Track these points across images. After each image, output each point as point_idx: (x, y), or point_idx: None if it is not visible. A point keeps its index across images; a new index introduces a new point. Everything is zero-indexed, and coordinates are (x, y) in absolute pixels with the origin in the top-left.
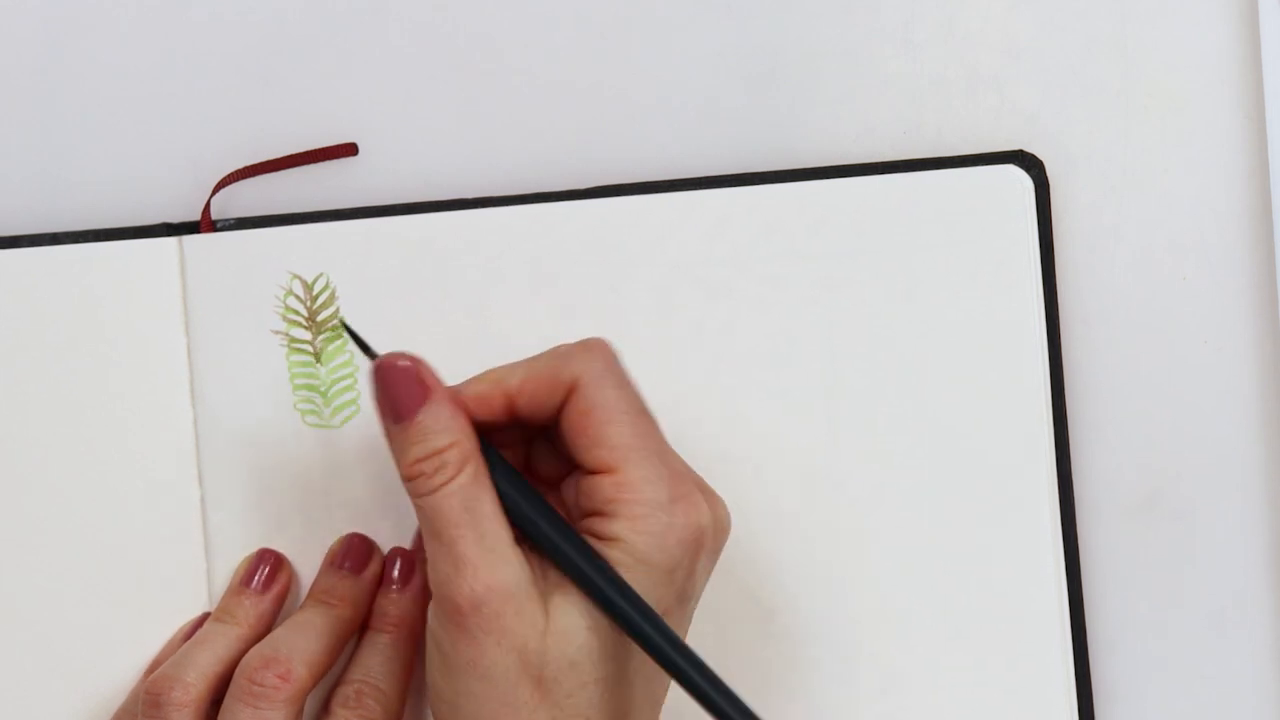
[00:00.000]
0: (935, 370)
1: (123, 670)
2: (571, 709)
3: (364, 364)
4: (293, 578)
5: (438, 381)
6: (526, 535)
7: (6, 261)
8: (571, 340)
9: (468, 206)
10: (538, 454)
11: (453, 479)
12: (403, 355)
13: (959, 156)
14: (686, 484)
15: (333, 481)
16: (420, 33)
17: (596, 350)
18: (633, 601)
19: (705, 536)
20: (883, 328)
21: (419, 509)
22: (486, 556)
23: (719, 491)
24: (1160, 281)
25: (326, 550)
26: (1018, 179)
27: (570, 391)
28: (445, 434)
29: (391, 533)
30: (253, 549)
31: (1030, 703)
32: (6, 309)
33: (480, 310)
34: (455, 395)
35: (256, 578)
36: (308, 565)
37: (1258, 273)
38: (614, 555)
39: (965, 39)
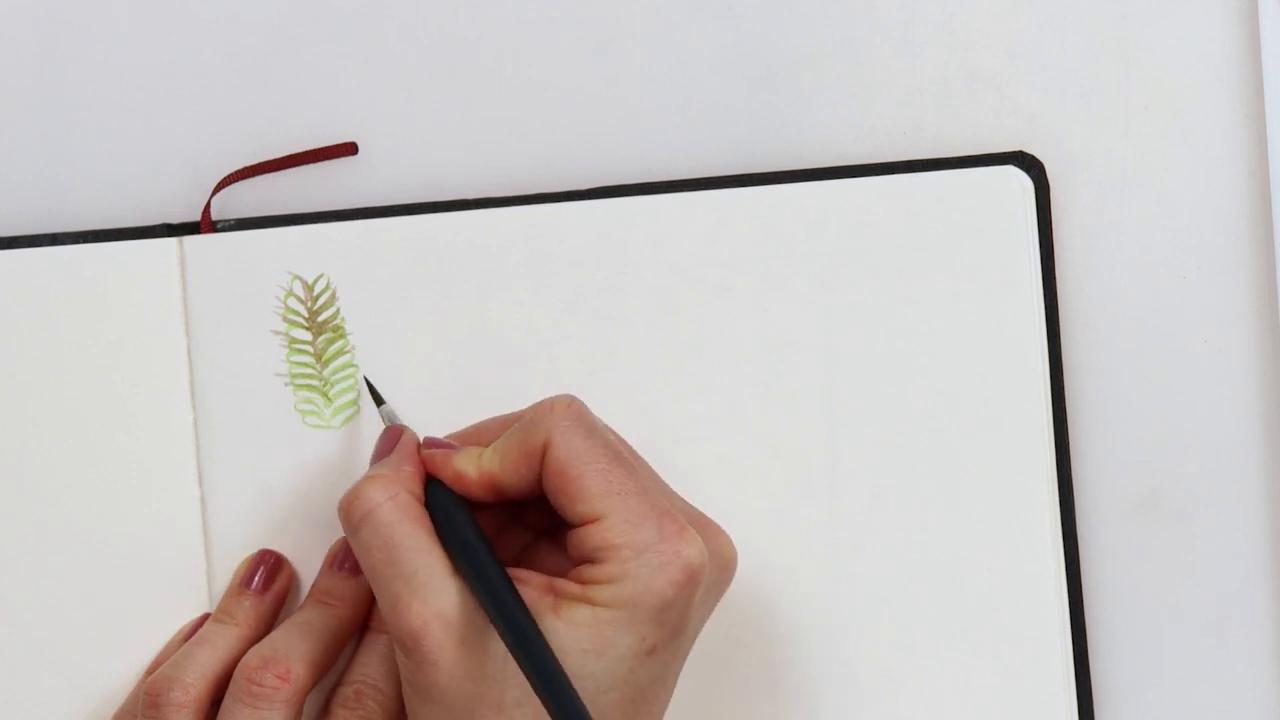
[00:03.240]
0: (935, 371)
1: (123, 670)
2: None
3: (364, 364)
4: (293, 578)
5: (410, 437)
6: (458, 569)
7: (6, 261)
8: (572, 341)
9: (468, 207)
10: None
11: (370, 513)
12: (403, 427)
13: (959, 157)
14: (675, 521)
15: (333, 481)
16: (420, 33)
17: (559, 408)
18: (536, 649)
19: (699, 572)
20: (882, 328)
21: (354, 551)
22: (420, 590)
23: (717, 488)
24: (1160, 281)
25: (326, 550)
26: (1018, 180)
27: (543, 455)
28: (375, 479)
29: None
30: (253, 549)
31: (1030, 704)
32: (6, 309)
33: (480, 310)
34: (415, 445)
35: (256, 578)
36: (308, 565)
37: (1258, 273)
38: (601, 597)
39: (965, 39)
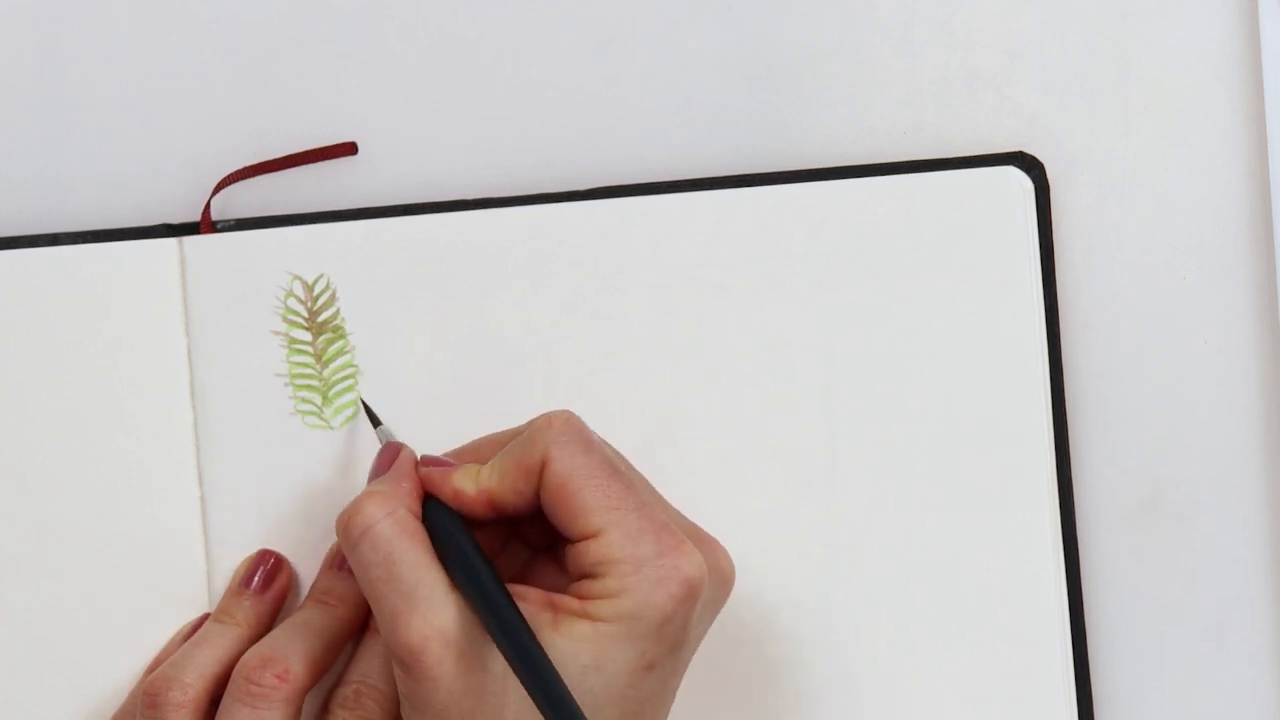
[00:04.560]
0: (935, 372)
1: (123, 670)
2: None
3: (364, 364)
4: (293, 578)
5: (408, 453)
6: (457, 586)
7: (6, 261)
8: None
9: (468, 207)
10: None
11: (369, 530)
12: (400, 445)
13: (959, 158)
14: (674, 535)
15: (333, 482)
16: (420, 33)
17: (557, 423)
18: (537, 664)
19: (698, 587)
20: (882, 329)
21: (353, 567)
22: (419, 606)
23: (715, 488)
24: (1160, 282)
25: (324, 550)
26: (1018, 181)
27: (541, 472)
28: (374, 495)
29: None
30: (253, 549)
31: (1030, 707)
32: (6, 309)
33: (479, 310)
34: (412, 461)
35: (255, 578)
36: (308, 565)
37: (1258, 273)
38: (601, 612)
39: (965, 39)
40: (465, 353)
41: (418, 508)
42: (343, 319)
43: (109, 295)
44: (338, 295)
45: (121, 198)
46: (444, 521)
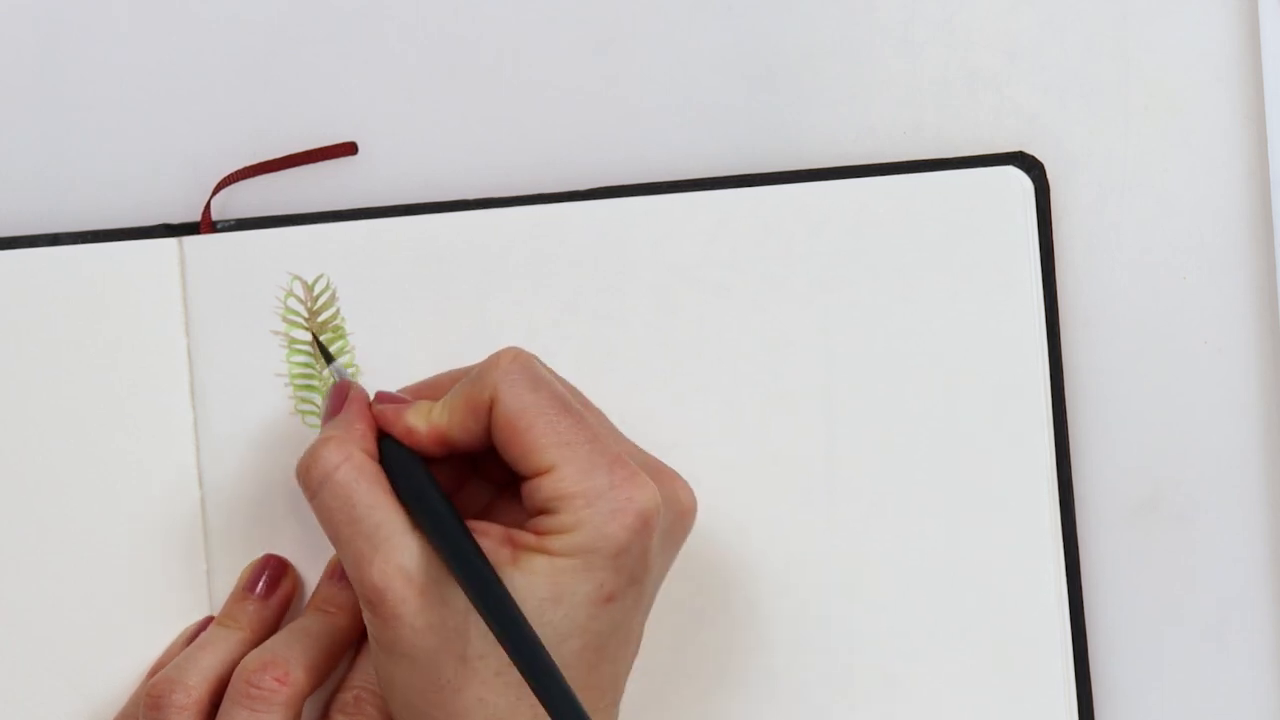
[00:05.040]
0: (935, 372)
1: (123, 670)
2: (501, 687)
3: (364, 364)
4: (297, 584)
5: (359, 393)
6: (419, 526)
7: (6, 261)
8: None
9: (468, 207)
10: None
11: (328, 476)
12: (349, 383)
13: (959, 158)
14: (627, 467)
15: None
16: (420, 33)
17: (505, 360)
18: (497, 599)
19: (652, 517)
20: (882, 329)
21: (315, 513)
22: (381, 546)
23: (717, 491)
24: (1160, 282)
25: (326, 551)
26: (1018, 181)
27: (490, 409)
28: (330, 441)
29: None
30: (253, 550)
31: (1030, 707)
32: (6, 309)
33: (480, 310)
34: (364, 401)
35: (260, 583)
36: (307, 566)
37: (1258, 273)
38: (556, 547)
39: (965, 39)
40: (465, 353)
41: (373, 448)
42: (343, 319)
43: (109, 295)
44: (338, 295)
45: (121, 198)
46: (401, 460)
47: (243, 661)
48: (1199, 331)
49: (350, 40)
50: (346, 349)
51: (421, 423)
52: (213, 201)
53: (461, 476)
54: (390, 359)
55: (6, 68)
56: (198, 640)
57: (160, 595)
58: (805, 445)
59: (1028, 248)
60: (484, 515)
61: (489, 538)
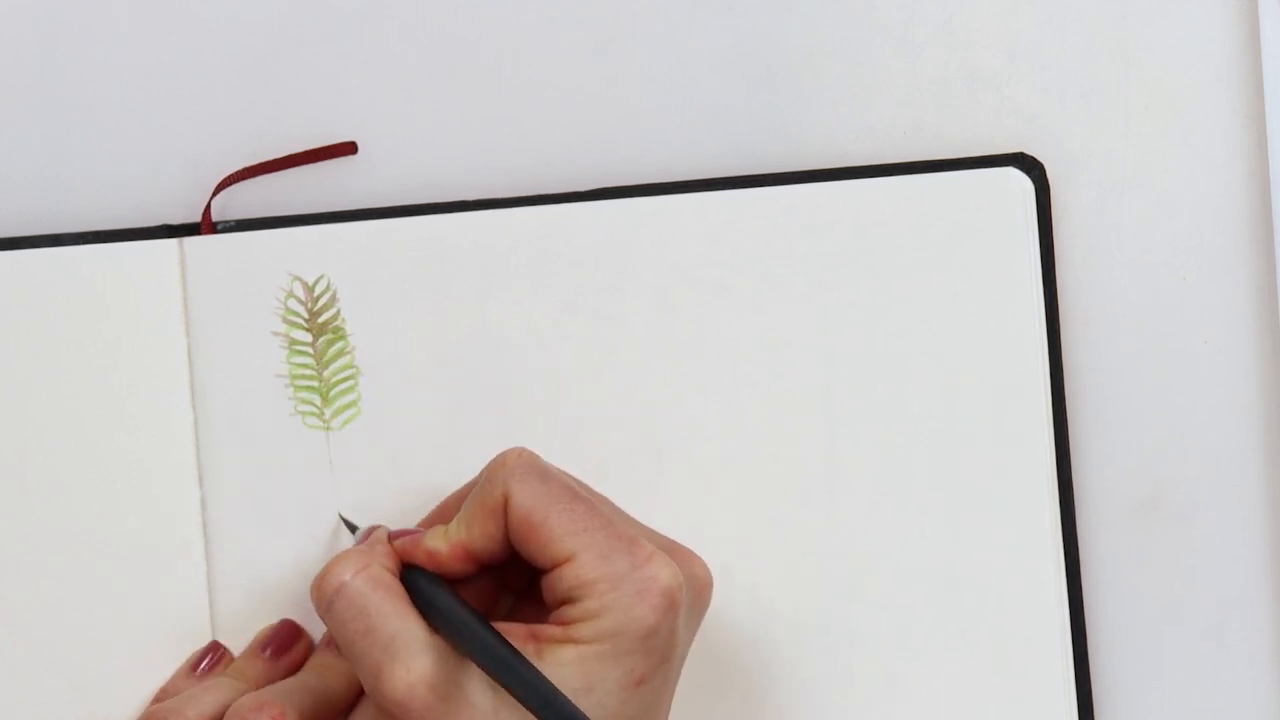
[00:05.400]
0: (935, 372)
1: (122, 670)
2: None
3: (364, 364)
4: (308, 650)
5: (379, 529)
6: (436, 631)
7: (6, 262)
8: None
9: (468, 208)
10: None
11: (342, 587)
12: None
13: (959, 158)
14: (645, 548)
15: (333, 483)
16: (420, 33)
17: (511, 459)
18: (539, 687)
19: (677, 595)
20: (882, 330)
21: (329, 628)
22: (399, 655)
23: (715, 488)
24: (1160, 282)
25: (325, 553)
26: (1018, 181)
27: (505, 509)
28: (344, 556)
29: None
30: (252, 550)
31: (1030, 707)
32: (6, 309)
33: (480, 310)
34: (384, 534)
35: (272, 645)
36: (306, 566)
37: (1258, 273)
38: (584, 634)
39: (965, 39)
40: (466, 353)
41: (394, 566)
42: (343, 320)
43: (109, 295)
44: (338, 296)
45: (121, 198)
46: (424, 582)
47: (237, 702)
48: (1199, 331)
49: (350, 40)
50: (346, 350)
51: (442, 544)
52: (213, 202)
53: (485, 598)
54: (390, 359)
55: (6, 68)
56: (204, 683)
57: (159, 595)
58: (806, 444)
59: (1028, 248)
60: (506, 620)
61: (513, 637)
